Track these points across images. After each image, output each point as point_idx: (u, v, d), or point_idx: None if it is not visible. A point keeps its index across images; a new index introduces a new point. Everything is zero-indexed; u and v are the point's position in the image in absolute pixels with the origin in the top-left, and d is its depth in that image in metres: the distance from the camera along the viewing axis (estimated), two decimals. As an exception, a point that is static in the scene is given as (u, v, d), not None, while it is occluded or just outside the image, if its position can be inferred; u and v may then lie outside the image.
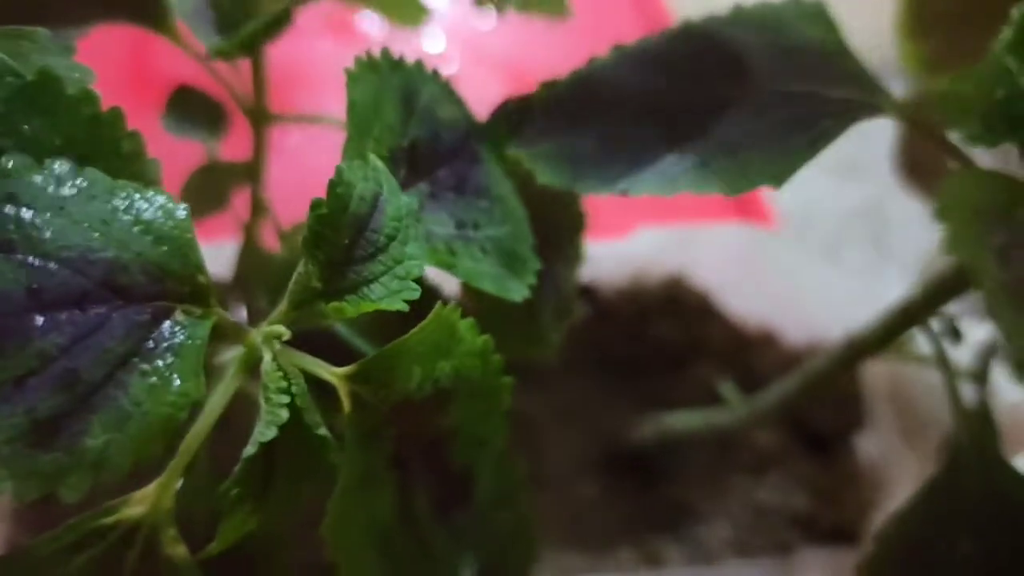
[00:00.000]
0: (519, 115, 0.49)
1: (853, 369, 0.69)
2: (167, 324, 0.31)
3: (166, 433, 0.30)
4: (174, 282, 0.31)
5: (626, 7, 1.11)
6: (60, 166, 0.31)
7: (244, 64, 0.51)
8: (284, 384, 0.33)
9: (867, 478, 0.71)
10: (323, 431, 0.33)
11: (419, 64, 0.44)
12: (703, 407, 0.69)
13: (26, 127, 0.33)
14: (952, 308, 0.52)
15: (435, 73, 0.45)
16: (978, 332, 0.56)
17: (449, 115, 0.45)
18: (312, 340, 0.36)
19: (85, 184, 0.31)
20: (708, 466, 0.71)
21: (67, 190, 0.31)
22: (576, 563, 0.65)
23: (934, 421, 0.66)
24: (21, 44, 0.36)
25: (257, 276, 0.54)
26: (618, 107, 0.48)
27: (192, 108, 0.57)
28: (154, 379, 0.30)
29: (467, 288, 0.43)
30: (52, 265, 0.30)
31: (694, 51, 0.49)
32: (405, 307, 0.35)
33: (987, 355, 0.55)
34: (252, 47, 0.48)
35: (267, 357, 0.33)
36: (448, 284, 0.46)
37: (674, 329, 0.78)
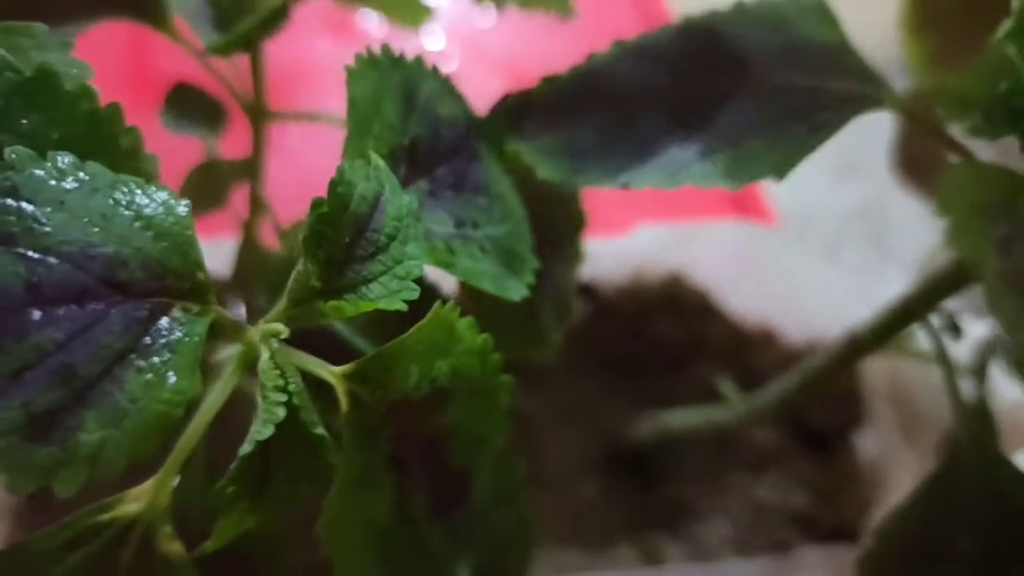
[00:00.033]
0: (519, 110, 0.49)
1: (852, 366, 0.69)
2: (165, 320, 0.31)
3: (161, 430, 0.30)
4: (173, 278, 0.31)
5: (626, 5, 1.11)
6: (62, 159, 0.31)
7: (243, 62, 0.51)
8: (281, 382, 0.32)
9: (866, 476, 0.71)
10: (320, 430, 0.33)
11: (419, 61, 0.44)
12: (702, 405, 0.69)
13: (24, 122, 0.33)
14: (952, 305, 0.52)
15: (435, 69, 0.45)
16: (977, 329, 0.56)
17: (449, 112, 0.45)
18: (311, 339, 0.36)
19: (87, 178, 0.31)
20: (707, 464, 0.71)
21: (69, 184, 0.31)
22: (576, 561, 0.65)
23: (934, 418, 0.66)
24: (19, 40, 0.36)
25: (256, 274, 0.54)
26: (618, 101, 0.48)
27: (191, 105, 0.57)
28: (150, 375, 0.30)
29: (466, 287, 0.43)
30: (52, 259, 0.30)
31: (694, 46, 0.49)
32: (404, 307, 0.35)
33: (987, 352, 0.55)
34: (250, 43, 0.48)
35: (264, 355, 0.33)
36: (447, 283, 0.46)
37: (674, 327, 0.78)
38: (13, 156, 0.30)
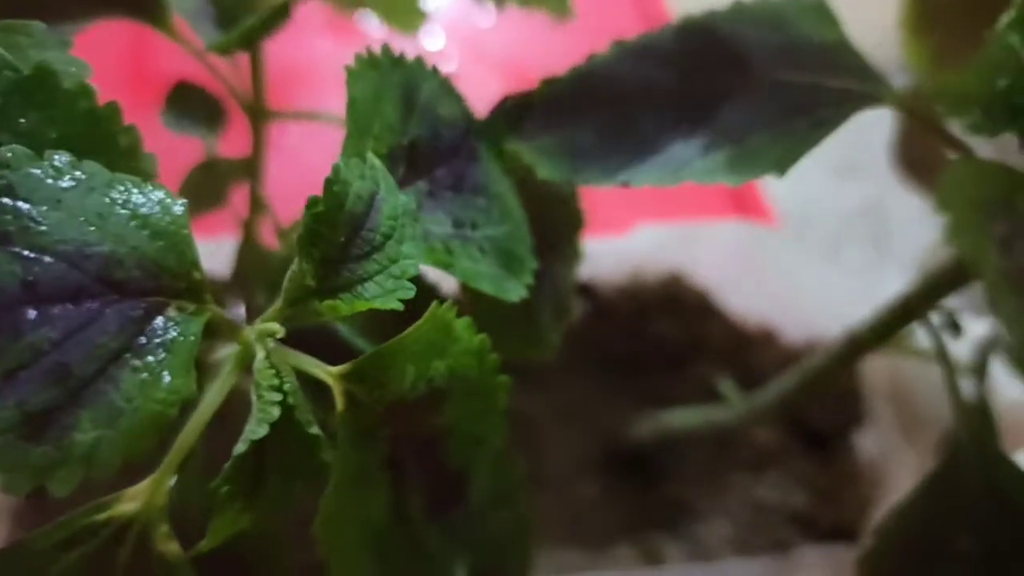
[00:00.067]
0: (519, 111, 0.49)
1: (852, 366, 0.69)
2: (160, 320, 0.31)
3: (157, 429, 0.30)
4: (169, 277, 0.31)
5: (626, 5, 1.11)
6: (59, 158, 0.31)
7: (243, 61, 0.51)
8: (276, 382, 0.32)
9: (866, 475, 0.71)
10: (315, 429, 0.33)
11: (419, 61, 0.44)
12: (702, 405, 0.69)
13: (22, 121, 0.33)
14: (952, 303, 0.52)
15: (435, 70, 0.45)
16: (977, 327, 0.56)
17: (449, 112, 0.45)
18: (308, 338, 0.36)
19: (84, 177, 0.31)
20: (707, 464, 0.71)
21: (65, 183, 0.31)
22: (575, 561, 0.65)
23: (934, 417, 0.66)
24: (18, 39, 0.36)
25: (256, 273, 0.54)
26: (618, 101, 0.48)
27: (191, 104, 0.57)
28: (146, 375, 0.30)
29: (465, 288, 0.43)
30: (47, 258, 0.30)
31: (694, 46, 0.49)
32: (400, 306, 0.35)
33: (987, 350, 0.55)
34: (251, 42, 0.48)
35: (260, 355, 0.33)
36: (447, 283, 0.46)
37: (673, 327, 0.78)
38: (9, 155, 0.30)
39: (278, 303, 0.34)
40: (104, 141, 0.35)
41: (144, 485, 0.33)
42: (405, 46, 0.44)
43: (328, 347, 0.37)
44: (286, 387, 0.33)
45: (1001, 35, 0.40)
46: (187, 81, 0.57)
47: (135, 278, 0.31)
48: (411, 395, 0.37)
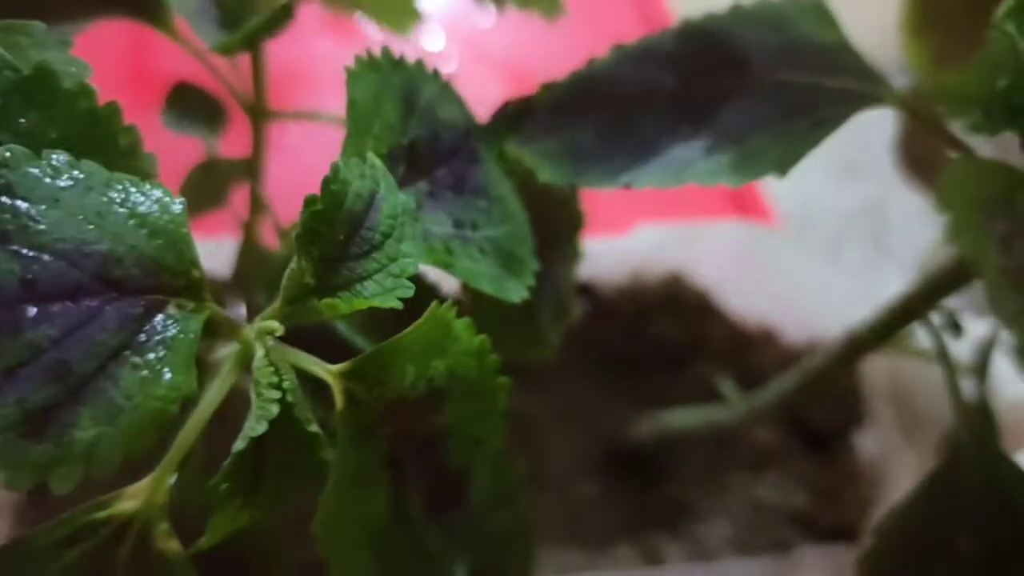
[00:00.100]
0: (520, 115, 0.49)
1: (853, 366, 0.69)
2: (160, 318, 0.31)
3: (156, 427, 0.30)
4: (168, 276, 0.31)
5: (626, 7, 1.11)
6: (57, 158, 0.31)
7: (243, 62, 0.51)
8: (275, 380, 0.32)
9: (867, 475, 0.71)
10: (314, 427, 0.33)
11: (420, 63, 0.44)
12: (703, 405, 0.69)
13: (22, 121, 0.33)
14: (952, 303, 0.52)
15: (436, 73, 0.45)
16: (978, 327, 0.56)
17: (449, 115, 0.45)
18: (308, 337, 0.36)
19: (82, 176, 0.31)
20: (707, 464, 0.71)
21: (64, 182, 0.31)
22: (575, 561, 0.65)
23: (934, 417, 0.66)
24: (18, 38, 0.36)
25: (256, 273, 0.54)
26: (619, 103, 0.48)
27: (191, 105, 0.57)
28: (145, 372, 0.30)
29: (467, 288, 0.43)
30: (46, 257, 0.30)
31: (694, 48, 0.49)
32: (399, 305, 0.35)
33: (987, 350, 0.55)
34: (255, 42, 0.48)
35: (259, 352, 0.33)
36: (447, 283, 0.46)
37: (673, 327, 0.78)
38: (8, 154, 0.30)
39: (277, 301, 0.34)
40: (104, 141, 0.35)
41: (144, 483, 0.33)
42: (405, 48, 0.44)
43: (327, 346, 0.37)
44: (285, 385, 0.33)
45: (998, 24, 0.39)
46: (187, 81, 0.57)
47: (134, 276, 0.31)
48: (411, 394, 0.37)
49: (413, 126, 0.43)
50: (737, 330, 0.79)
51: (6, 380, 0.28)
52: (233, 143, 0.56)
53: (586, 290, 0.79)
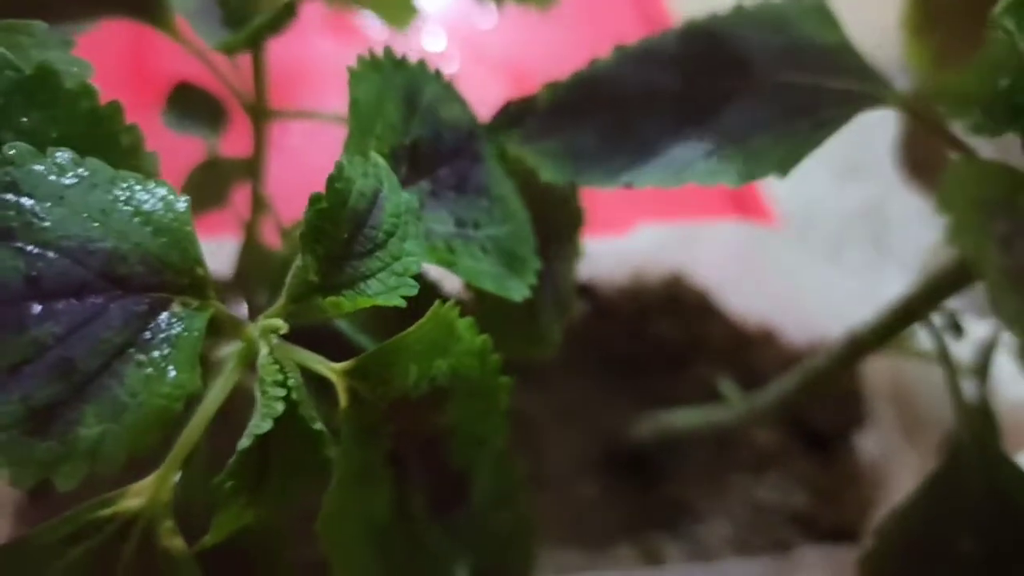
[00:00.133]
0: (522, 115, 0.49)
1: (853, 366, 0.69)
2: (164, 315, 0.31)
3: (161, 424, 0.30)
4: (172, 274, 0.31)
5: (627, 7, 1.11)
6: (62, 155, 0.31)
7: (244, 61, 0.51)
8: (280, 377, 0.33)
9: (867, 476, 0.71)
10: (319, 425, 0.33)
11: (422, 63, 0.44)
12: (703, 405, 0.69)
13: (24, 120, 0.33)
14: (953, 304, 0.52)
15: (438, 73, 0.45)
16: (979, 328, 0.56)
17: (451, 115, 0.45)
18: (311, 336, 0.36)
19: (86, 174, 0.31)
20: (708, 464, 0.71)
21: (68, 179, 0.31)
22: (576, 561, 0.65)
23: (935, 418, 0.66)
24: (19, 38, 0.36)
25: (257, 273, 0.54)
26: (621, 104, 0.48)
27: (192, 104, 0.57)
28: (150, 370, 0.30)
29: (469, 286, 0.43)
30: (51, 254, 0.30)
31: (696, 49, 0.49)
32: (402, 303, 0.35)
33: (988, 351, 0.55)
34: (258, 41, 0.49)
35: (263, 350, 0.33)
36: (449, 282, 0.46)
37: (674, 327, 0.78)
38: (12, 152, 0.30)
39: (281, 299, 0.34)
40: (106, 140, 0.35)
41: (149, 481, 0.33)
42: (406, 48, 0.44)
43: (329, 345, 0.37)
44: (290, 383, 0.33)
45: (997, 20, 0.39)
46: (188, 81, 0.57)
47: (138, 274, 0.31)
48: (414, 393, 0.37)
49: (415, 126, 0.43)
50: (737, 330, 0.79)
51: (11, 377, 0.29)
52: (234, 143, 0.56)
53: (586, 290, 0.79)
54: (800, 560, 0.64)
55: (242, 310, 0.53)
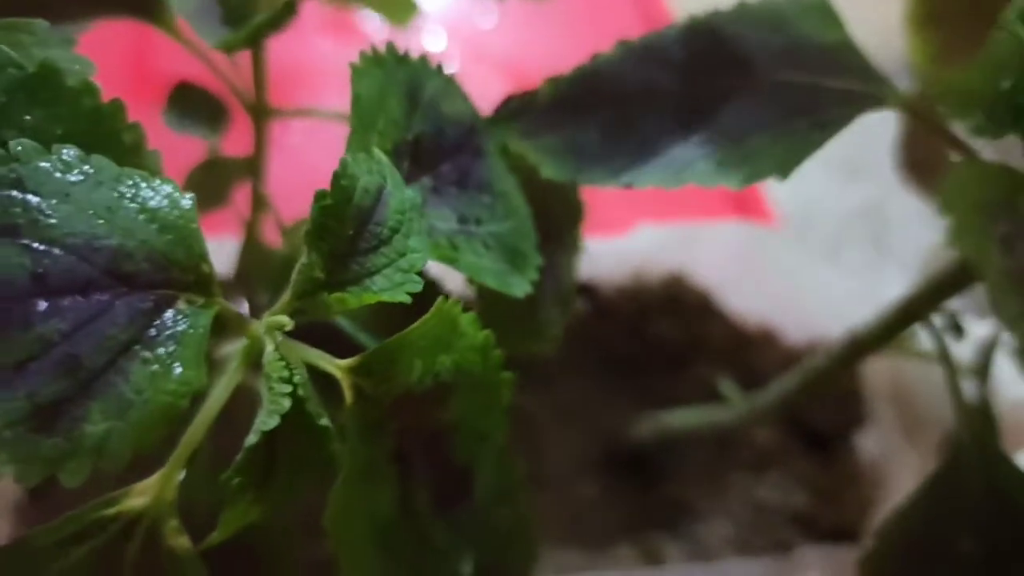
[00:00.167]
0: (522, 110, 0.49)
1: (854, 366, 0.69)
2: (170, 312, 0.31)
3: (167, 421, 0.30)
4: (178, 270, 0.31)
5: (627, 7, 1.11)
6: (68, 152, 0.31)
7: (244, 61, 0.51)
8: (286, 373, 0.33)
9: (868, 476, 0.71)
10: (325, 421, 0.33)
11: (424, 59, 0.44)
12: (703, 405, 0.69)
13: (27, 118, 0.33)
14: (954, 305, 0.52)
15: (439, 68, 0.45)
16: (980, 328, 0.56)
17: (453, 110, 0.45)
18: (313, 335, 0.36)
19: (92, 171, 0.31)
20: (708, 464, 0.71)
21: (74, 176, 0.31)
22: (576, 561, 0.65)
23: (935, 418, 0.66)
24: (21, 37, 0.36)
25: (258, 272, 0.54)
26: (621, 101, 0.48)
27: (193, 104, 0.57)
28: (156, 367, 0.30)
29: (471, 282, 0.43)
30: (57, 251, 0.30)
31: (698, 47, 0.49)
32: (408, 299, 0.36)
33: (989, 351, 0.55)
34: (258, 40, 0.48)
35: (269, 347, 0.33)
36: (450, 281, 0.46)
37: (674, 327, 0.78)
38: (19, 148, 0.30)
39: (286, 296, 0.34)
40: (108, 138, 0.35)
41: (153, 479, 0.33)
42: (408, 46, 0.44)
43: (330, 344, 0.37)
44: (296, 379, 0.33)
45: (1007, 24, 0.40)
46: (188, 81, 0.57)
47: (144, 271, 0.31)
48: (418, 389, 0.37)
49: (417, 122, 0.43)
50: (737, 330, 0.79)
51: (16, 374, 0.28)
52: (235, 142, 0.56)
53: (587, 290, 0.79)
54: (800, 560, 0.64)
55: (243, 309, 0.53)
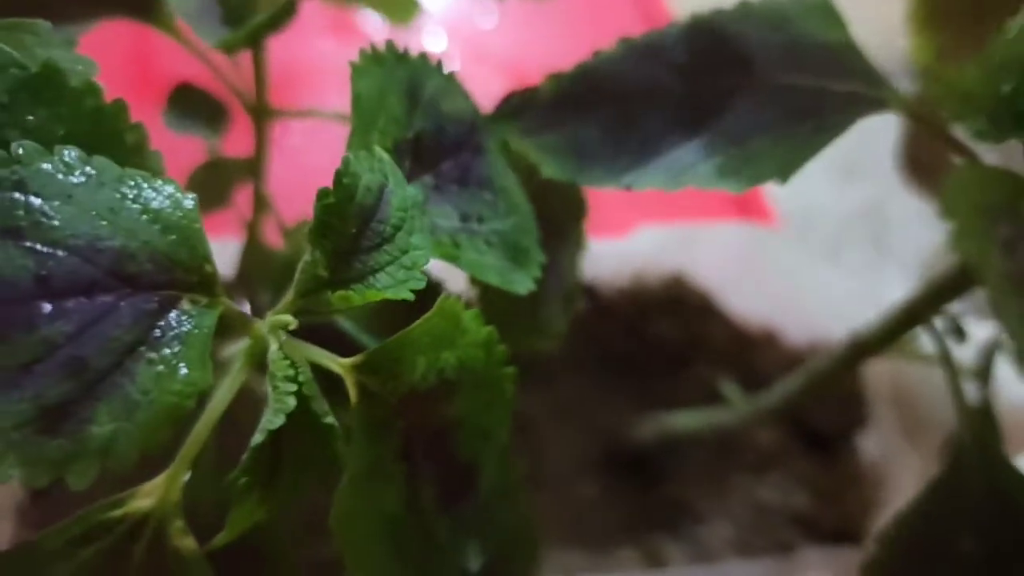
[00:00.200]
0: (523, 107, 0.49)
1: (855, 368, 0.69)
2: (174, 313, 0.31)
3: (173, 422, 0.30)
4: (181, 271, 0.31)
5: (627, 7, 1.11)
6: (69, 154, 0.31)
7: (245, 61, 0.51)
8: (291, 372, 0.32)
9: (869, 477, 0.71)
10: (330, 419, 0.33)
11: (424, 57, 0.44)
12: (705, 407, 0.69)
13: (30, 118, 0.33)
14: (955, 307, 0.52)
15: (440, 66, 0.45)
16: (981, 331, 0.56)
17: (454, 108, 0.45)
18: (316, 336, 0.36)
19: (94, 172, 0.31)
20: (709, 465, 0.71)
21: (76, 178, 0.31)
22: (577, 562, 0.65)
23: (936, 420, 0.66)
24: (23, 37, 0.36)
25: (260, 272, 0.54)
26: (622, 99, 0.48)
27: (193, 105, 0.57)
28: (161, 367, 0.30)
29: (474, 280, 0.43)
30: (60, 253, 0.29)
31: (699, 46, 0.49)
32: (411, 296, 0.36)
33: (990, 354, 0.55)
34: (258, 40, 0.48)
35: (273, 346, 0.33)
36: (453, 283, 0.46)
37: (675, 328, 0.78)
38: (20, 150, 0.30)
39: (290, 295, 0.34)
40: (111, 138, 0.35)
41: (159, 480, 0.33)
42: (408, 46, 0.44)
43: (332, 345, 0.37)
44: (301, 378, 0.33)
45: (1010, 44, 0.40)
46: (189, 81, 0.57)
47: (147, 272, 0.31)
48: (422, 386, 0.37)
49: (418, 120, 0.43)
50: (738, 331, 0.79)
51: (22, 376, 0.28)
52: (236, 143, 0.56)
53: (588, 291, 0.79)
54: (801, 561, 0.64)
55: (245, 310, 0.53)
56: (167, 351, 0.30)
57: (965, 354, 0.54)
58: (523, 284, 0.43)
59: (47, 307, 0.29)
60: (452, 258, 0.41)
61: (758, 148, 0.45)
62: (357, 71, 0.41)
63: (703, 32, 0.49)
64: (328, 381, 0.35)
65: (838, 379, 0.61)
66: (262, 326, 0.34)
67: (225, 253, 0.53)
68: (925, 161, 0.62)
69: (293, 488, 0.34)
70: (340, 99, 0.40)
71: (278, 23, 0.46)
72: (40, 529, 0.32)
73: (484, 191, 0.44)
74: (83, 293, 0.30)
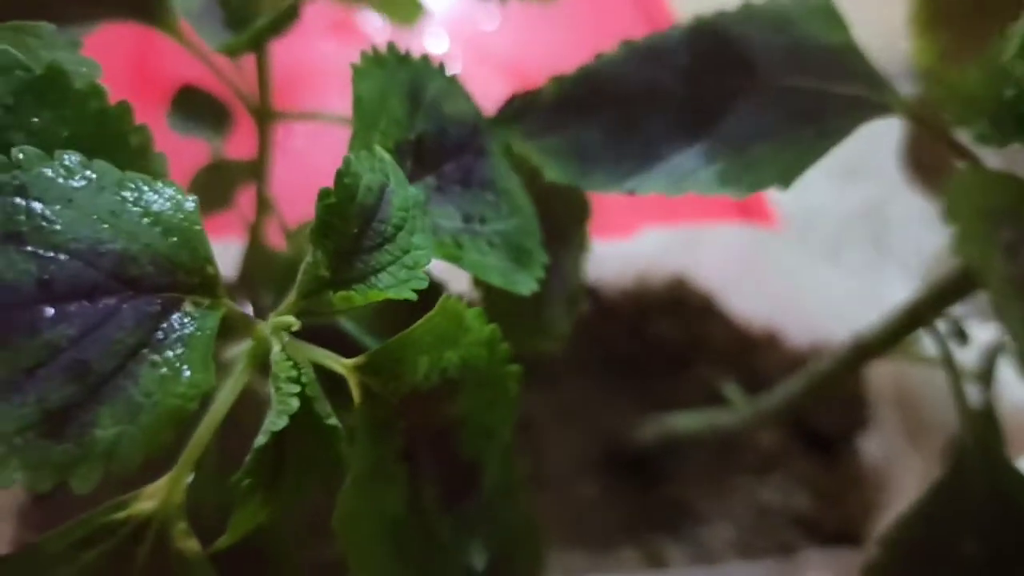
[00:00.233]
0: (526, 109, 0.49)
1: (858, 371, 0.69)
2: (177, 315, 0.31)
3: (176, 424, 0.30)
4: (183, 273, 0.31)
5: (629, 8, 1.11)
6: (70, 158, 0.31)
7: (248, 64, 0.51)
8: (294, 373, 0.32)
9: (871, 479, 0.71)
10: (333, 420, 0.33)
11: (425, 59, 0.44)
12: (707, 408, 0.69)
13: (35, 120, 0.33)
14: (958, 310, 0.52)
15: (441, 68, 0.45)
16: (984, 333, 0.56)
17: (456, 110, 0.45)
18: (318, 338, 0.36)
19: (94, 176, 0.31)
20: (710, 466, 0.71)
21: (77, 182, 0.31)
22: (578, 563, 0.65)
23: (939, 422, 0.66)
24: (27, 39, 0.36)
25: (262, 274, 0.54)
26: (625, 102, 0.48)
27: (197, 107, 0.57)
28: (164, 370, 0.30)
29: (476, 281, 0.43)
30: (62, 257, 0.29)
31: (702, 48, 0.49)
32: (413, 296, 0.36)
33: (993, 356, 0.55)
34: (260, 43, 0.48)
35: (276, 347, 0.33)
36: (455, 283, 0.46)
37: (677, 329, 0.78)
38: (21, 155, 0.30)
39: (292, 296, 0.34)
40: (115, 140, 0.35)
41: (162, 482, 0.33)
42: (410, 48, 0.44)
43: (336, 347, 0.37)
44: (303, 379, 0.33)
45: (1007, 62, 0.40)
46: (192, 84, 0.57)
47: (149, 274, 0.31)
48: (425, 386, 0.37)
49: (419, 121, 0.43)
50: (741, 332, 0.79)
51: (25, 380, 0.28)
52: (239, 145, 0.56)
53: (591, 292, 0.79)
54: (803, 563, 0.64)
55: (247, 312, 0.53)
56: (170, 353, 0.30)
57: (967, 356, 0.54)
58: (526, 285, 0.43)
59: (49, 311, 0.29)
60: (455, 259, 0.41)
61: (759, 154, 0.45)
62: (359, 73, 0.41)
63: (706, 34, 0.49)
64: (331, 382, 0.35)
65: (840, 381, 0.61)
66: (265, 327, 0.34)
67: (228, 255, 0.54)
68: (928, 163, 0.62)
69: (296, 489, 0.34)
70: (343, 101, 0.40)
71: (281, 27, 0.46)
72: (42, 531, 0.32)
73: (486, 192, 0.44)
74: (85, 296, 0.30)
